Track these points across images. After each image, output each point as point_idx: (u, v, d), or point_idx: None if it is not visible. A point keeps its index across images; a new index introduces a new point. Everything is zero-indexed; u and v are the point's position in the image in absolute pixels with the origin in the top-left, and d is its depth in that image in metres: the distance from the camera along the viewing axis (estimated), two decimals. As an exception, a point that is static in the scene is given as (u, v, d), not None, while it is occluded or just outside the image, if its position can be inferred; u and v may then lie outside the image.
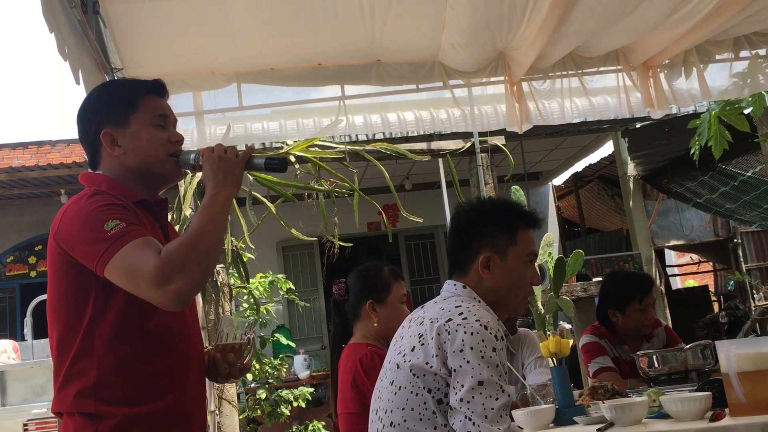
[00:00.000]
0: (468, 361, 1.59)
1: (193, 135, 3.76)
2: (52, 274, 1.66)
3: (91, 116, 1.78)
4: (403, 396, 1.68)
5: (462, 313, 1.67)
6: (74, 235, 1.57)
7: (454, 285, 1.84)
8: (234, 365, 1.81)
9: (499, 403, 1.59)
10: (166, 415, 1.63)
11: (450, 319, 1.67)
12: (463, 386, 1.58)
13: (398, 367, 1.73)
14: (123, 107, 1.76)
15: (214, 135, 3.81)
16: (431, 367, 1.64)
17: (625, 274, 4.65)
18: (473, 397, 1.56)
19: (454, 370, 1.60)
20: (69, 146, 8.47)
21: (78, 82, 2.52)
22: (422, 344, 1.69)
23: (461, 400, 1.57)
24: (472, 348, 1.60)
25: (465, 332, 1.62)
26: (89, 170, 1.81)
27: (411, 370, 1.67)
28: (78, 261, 1.57)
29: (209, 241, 1.56)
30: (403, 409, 1.67)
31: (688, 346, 2.79)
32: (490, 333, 1.63)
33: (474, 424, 1.55)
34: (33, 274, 9.73)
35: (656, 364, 2.78)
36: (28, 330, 6.95)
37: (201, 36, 3.16)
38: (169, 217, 4.33)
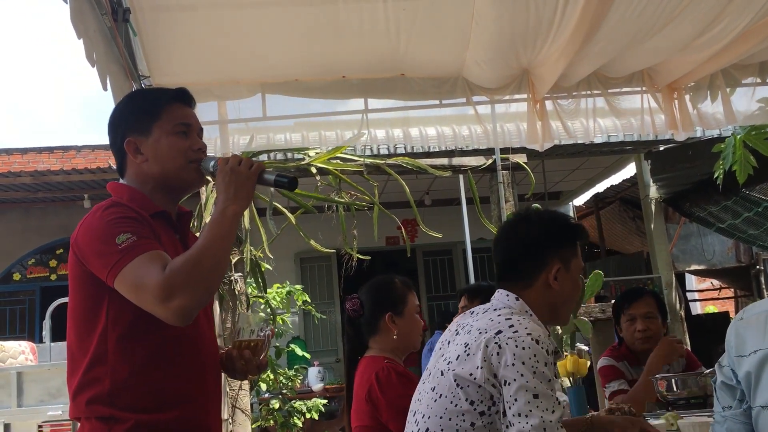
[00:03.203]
0: (522, 375, 1.58)
1: (217, 144, 3.79)
2: (70, 282, 1.69)
3: (117, 125, 1.82)
4: (442, 405, 1.68)
5: (513, 326, 1.66)
6: (88, 247, 1.60)
7: (507, 296, 1.83)
8: (250, 362, 1.82)
9: (556, 416, 1.58)
10: (179, 426, 1.64)
11: (500, 331, 1.66)
12: (517, 400, 1.57)
13: (442, 374, 1.73)
14: (146, 116, 1.79)
15: (237, 144, 3.84)
16: (475, 378, 1.63)
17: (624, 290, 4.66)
18: (530, 411, 1.55)
19: (507, 384, 1.59)
20: (94, 152, 8.59)
21: (105, 88, 2.56)
22: (468, 354, 1.68)
23: (518, 414, 1.56)
24: (524, 363, 1.59)
25: (516, 346, 1.61)
26: (119, 178, 1.84)
27: (455, 380, 1.67)
28: (92, 271, 1.60)
29: (214, 258, 1.56)
30: (440, 417, 1.67)
31: (709, 370, 2.75)
32: (542, 347, 1.62)
33: None
34: (53, 277, 9.82)
35: (675, 388, 2.74)
36: (46, 332, 7.01)
37: (227, 46, 3.20)
38: (193, 225, 4.38)
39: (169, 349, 1.65)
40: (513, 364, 1.59)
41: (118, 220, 1.59)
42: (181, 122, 1.80)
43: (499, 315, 1.74)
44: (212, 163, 1.75)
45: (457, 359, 1.70)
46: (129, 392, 1.59)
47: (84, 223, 1.65)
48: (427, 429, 1.68)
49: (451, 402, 1.66)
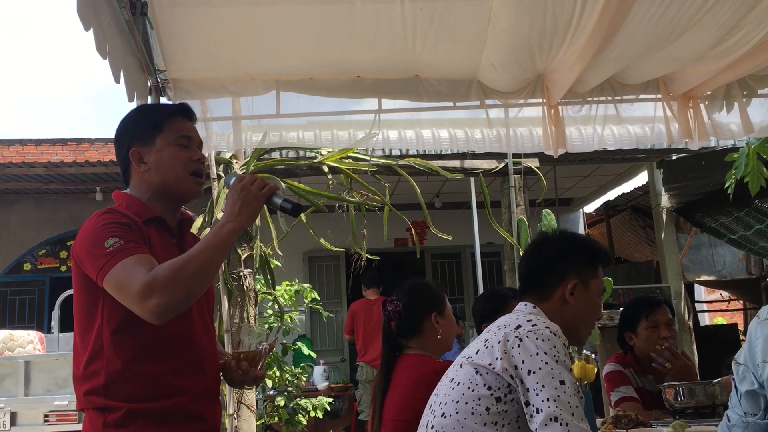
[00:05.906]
0: (546, 362, 1.64)
1: (230, 140, 3.81)
2: (73, 284, 1.81)
3: (123, 136, 1.95)
4: (459, 391, 1.75)
5: (531, 320, 1.76)
6: (82, 251, 1.73)
7: (525, 305, 1.93)
8: (247, 373, 1.91)
9: (582, 402, 1.64)
10: (170, 414, 1.73)
11: (519, 326, 1.74)
12: (545, 386, 1.61)
13: (461, 366, 1.81)
14: (150, 127, 1.92)
15: (250, 141, 3.85)
16: (494, 368, 1.70)
17: (635, 297, 4.63)
18: (559, 396, 1.60)
19: (532, 372, 1.64)
20: (107, 144, 8.60)
21: (118, 81, 2.58)
22: (486, 347, 1.76)
23: (547, 399, 1.60)
24: (546, 353, 1.65)
25: (537, 338, 1.68)
26: (124, 188, 1.98)
27: (474, 369, 1.74)
28: (86, 273, 1.73)
29: (198, 267, 1.65)
30: (457, 402, 1.74)
31: (717, 380, 2.74)
32: (560, 339, 1.70)
33: (562, 422, 1.57)
34: (63, 268, 9.86)
35: (683, 397, 2.73)
36: (55, 323, 7.05)
37: (244, 43, 3.21)
38: (200, 220, 4.40)
39: (161, 345, 1.75)
40: (537, 354, 1.66)
41: (108, 226, 1.72)
42: (182, 134, 1.93)
43: (517, 314, 1.86)
44: (233, 179, 1.86)
45: (476, 353, 1.78)
46: (122, 384, 1.71)
47: (81, 230, 1.77)
48: (443, 414, 1.76)
49: (469, 387, 1.73)
